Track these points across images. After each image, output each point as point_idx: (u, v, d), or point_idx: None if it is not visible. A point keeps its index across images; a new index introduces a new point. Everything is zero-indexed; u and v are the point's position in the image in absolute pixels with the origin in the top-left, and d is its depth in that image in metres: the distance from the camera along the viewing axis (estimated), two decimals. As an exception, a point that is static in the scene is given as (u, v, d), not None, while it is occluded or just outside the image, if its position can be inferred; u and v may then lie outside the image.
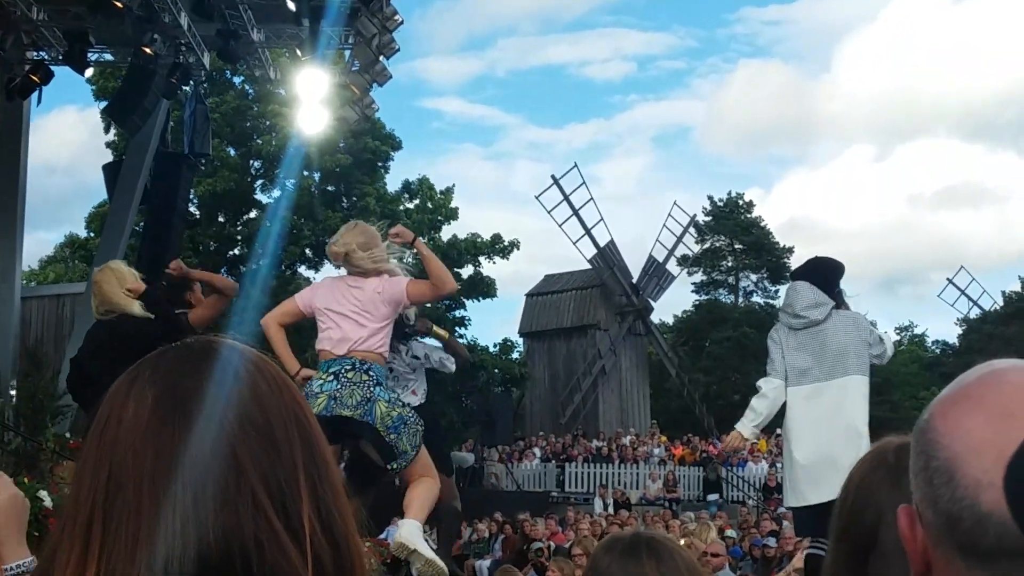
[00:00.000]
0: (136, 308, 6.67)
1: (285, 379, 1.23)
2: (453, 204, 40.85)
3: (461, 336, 39.58)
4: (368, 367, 6.14)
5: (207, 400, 1.14)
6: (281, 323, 6.47)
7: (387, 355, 6.47)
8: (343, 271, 6.52)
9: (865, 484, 2.09)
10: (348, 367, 6.11)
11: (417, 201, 40.63)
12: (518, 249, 40.73)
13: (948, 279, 47.89)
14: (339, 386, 6.01)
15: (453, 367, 9.14)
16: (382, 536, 10.96)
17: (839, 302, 7.17)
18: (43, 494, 5.77)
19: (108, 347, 6.56)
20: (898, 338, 57.52)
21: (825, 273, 7.30)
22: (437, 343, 8.97)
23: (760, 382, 7.37)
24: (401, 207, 40.16)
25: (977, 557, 1.07)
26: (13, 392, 17.66)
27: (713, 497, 27.95)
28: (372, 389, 6.07)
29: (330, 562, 1.15)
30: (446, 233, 40.51)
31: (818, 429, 6.86)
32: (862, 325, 7.03)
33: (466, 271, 40.23)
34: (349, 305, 6.23)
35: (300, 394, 1.24)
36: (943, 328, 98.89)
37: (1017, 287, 51.07)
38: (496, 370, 40.55)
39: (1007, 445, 1.06)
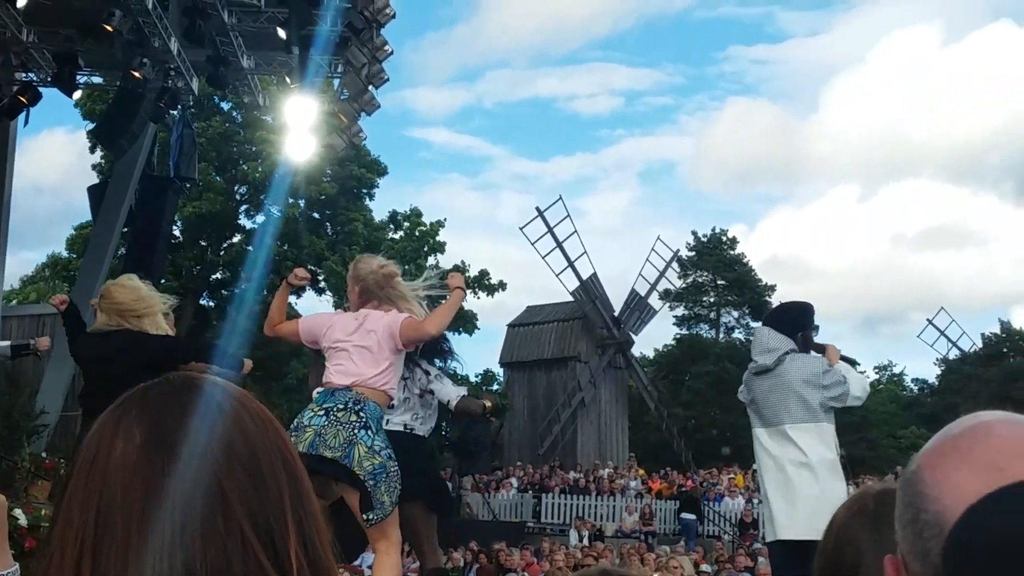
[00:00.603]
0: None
1: (268, 415, 1.24)
2: (441, 238, 40.97)
3: (441, 368, 39.54)
4: (361, 407, 6.02)
5: (194, 438, 1.14)
6: (283, 329, 6.55)
7: (392, 393, 6.33)
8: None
9: (846, 529, 2.12)
10: (340, 406, 5.99)
11: (403, 231, 40.70)
12: (503, 290, 40.91)
13: (928, 320, 48.16)
14: (327, 423, 5.89)
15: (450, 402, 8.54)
16: (356, 563, 11.00)
17: (806, 343, 7.25)
18: (18, 512, 5.81)
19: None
20: (877, 377, 57.73)
21: (789, 316, 7.41)
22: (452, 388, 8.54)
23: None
24: (388, 235, 40.26)
25: None
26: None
27: (689, 517, 28.05)
28: (356, 431, 5.93)
29: None
30: (430, 262, 40.61)
31: (778, 469, 6.99)
32: (814, 369, 7.04)
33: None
34: (358, 339, 6.15)
35: (283, 430, 1.24)
36: (922, 368, 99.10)
37: (996, 329, 51.49)
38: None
39: None
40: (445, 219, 41.72)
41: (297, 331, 6.44)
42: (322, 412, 5.94)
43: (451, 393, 8.02)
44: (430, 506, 7.83)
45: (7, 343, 9.18)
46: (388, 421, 7.58)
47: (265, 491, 1.15)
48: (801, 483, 6.84)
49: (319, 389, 6.18)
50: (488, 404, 8.86)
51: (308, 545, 1.16)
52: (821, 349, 7.33)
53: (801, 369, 7.03)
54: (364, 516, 6.00)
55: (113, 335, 6.85)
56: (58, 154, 76.33)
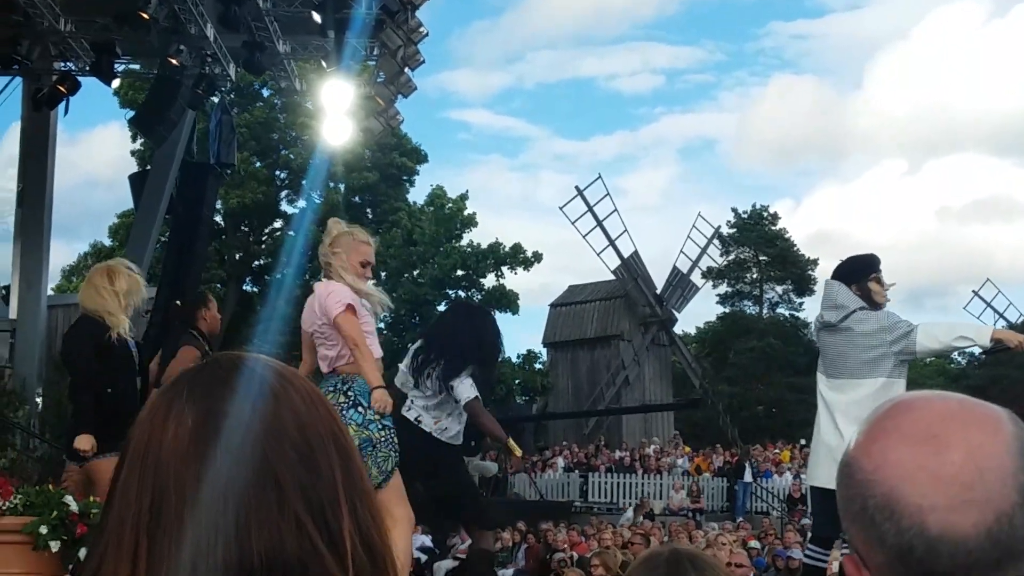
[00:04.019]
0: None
1: (318, 393, 1.22)
2: (469, 211, 40.89)
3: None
4: (348, 386, 6.04)
5: (245, 420, 1.14)
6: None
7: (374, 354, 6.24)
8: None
9: None
10: (330, 389, 6.02)
11: (428, 214, 40.69)
12: (540, 262, 40.70)
13: (974, 291, 47.56)
14: None
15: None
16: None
17: (861, 295, 7.17)
18: (69, 499, 5.81)
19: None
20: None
21: (850, 268, 7.39)
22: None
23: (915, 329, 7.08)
24: (425, 219, 40.30)
25: None
26: (39, 400, 17.80)
27: (748, 481, 28.15)
28: (344, 413, 5.91)
29: None
30: (465, 241, 40.61)
31: (826, 417, 7.10)
32: (881, 324, 7.00)
33: (488, 281, 40.23)
34: (316, 325, 6.19)
35: (333, 408, 1.24)
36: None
37: (1044, 299, 50.78)
38: (517, 381, 40.50)
39: (939, 465, 1.09)
40: (467, 191, 41.68)
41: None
42: None
43: (465, 393, 7.60)
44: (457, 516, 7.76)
45: None
46: (411, 405, 7.48)
47: (317, 471, 1.14)
48: (831, 433, 6.95)
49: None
50: (514, 458, 8.72)
51: (361, 525, 1.15)
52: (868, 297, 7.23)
53: (869, 326, 6.99)
54: None
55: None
56: (113, 147, 76.87)
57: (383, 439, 6.02)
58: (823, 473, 6.91)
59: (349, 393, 6.00)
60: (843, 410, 6.97)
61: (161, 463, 1.12)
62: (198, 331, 7.90)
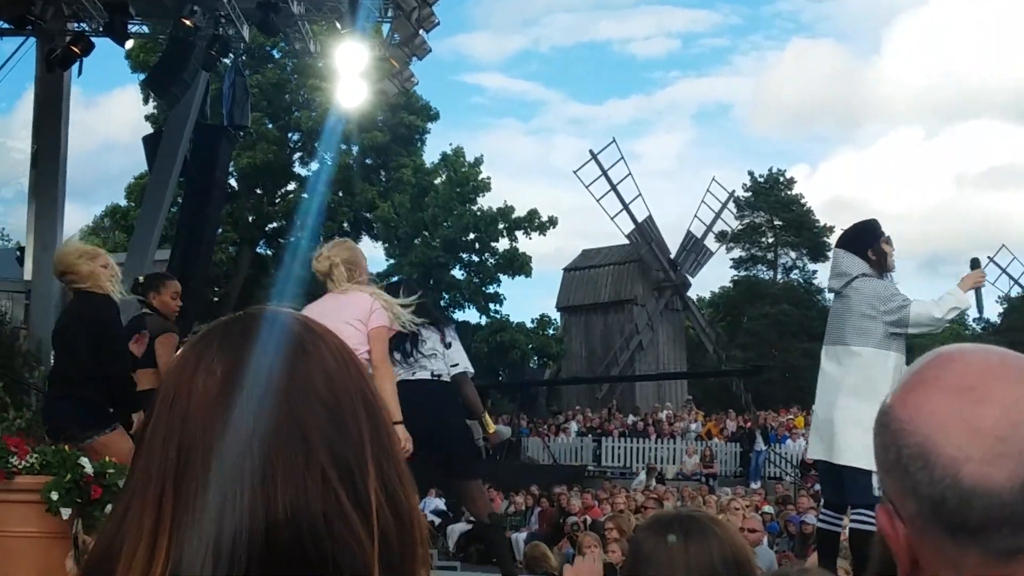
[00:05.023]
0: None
1: (349, 351, 1.22)
2: (483, 175, 40.77)
3: (496, 312, 39.62)
4: None
5: (275, 373, 1.14)
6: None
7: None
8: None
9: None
10: None
11: (445, 175, 40.54)
12: (555, 227, 40.62)
13: (989, 257, 47.35)
14: None
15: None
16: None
17: (878, 263, 7.20)
18: (84, 461, 5.81)
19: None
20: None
21: (854, 236, 7.43)
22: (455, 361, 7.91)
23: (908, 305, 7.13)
24: (438, 180, 40.17)
25: (967, 534, 1.07)
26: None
27: (761, 448, 28.22)
28: None
29: (395, 537, 1.14)
30: (478, 205, 40.49)
31: (821, 390, 7.16)
32: (878, 294, 7.04)
33: (501, 245, 40.17)
34: (341, 316, 6.04)
35: (364, 367, 1.23)
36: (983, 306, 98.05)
37: (1059, 266, 50.49)
38: (531, 346, 40.53)
39: (975, 417, 1.08)
40: (482, 155, 41.54)
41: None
42: None
43: (464, 362, 7.80)
44: (448, 470, 7.75)
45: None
46: (415, 371, 7.45)
47: (345, 429, 1.14)
48: (818, 404, 7.12)
49: None
50: (491, 434, 8.69)
51: (387, 484, 1.15)
52: (976, 263, 7.35)
53: (864, 293, 7.04)
54: None
55: None
56: (130, 111, 77.03)
57: None
58: (812, 445, 7.18)
59: None
60: (831, 379, 7.06)
61: (189, 413, 1.12)
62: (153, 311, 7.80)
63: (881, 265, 7.21)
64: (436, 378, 7.54)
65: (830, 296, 7.62)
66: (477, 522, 8.40)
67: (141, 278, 8.46)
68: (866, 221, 7.56)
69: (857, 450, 6.54)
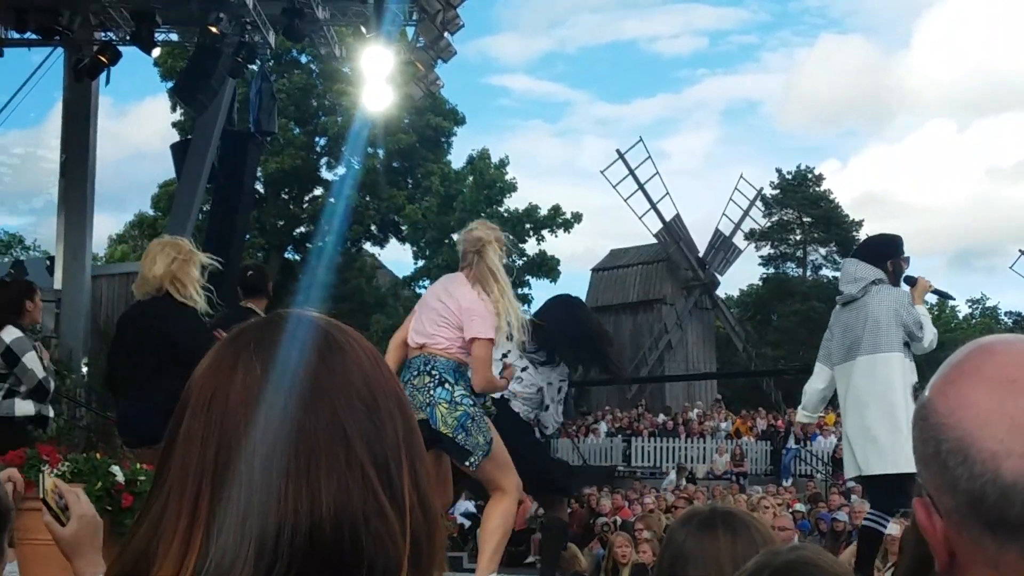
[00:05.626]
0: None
1: (379, 353, 1.24)
2: (509, 177, 40.72)
3: (525, 314, 39.53)
4: (432, 366, 5.99)
5: (315, 372, 1.15)
6: (401, 339, 6.29)
7: (463, 358, 6.16)
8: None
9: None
10: (415, 372, 5.99)
11: (472, 178, 40.50)
12: (579, 222, 40.46)
13: (1021, 250, 47.03)
14: (408, 393, 5.68)
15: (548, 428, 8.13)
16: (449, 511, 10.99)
17: (896, 272, 7.18)
18: (115, 469, 5.83)
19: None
20: (970, 311, 56.90)
21: (876, 247, 7.39)
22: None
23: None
24: (465, 185, 40.16)
25: (1007, 530, 1.05)
26: (85, 369, 17.96)
27: (792, 446, 28.09)
28: (432, 392, 5.91)
29: (424, 536, 1.16)
30: (504, 208, 40.42)
31: (852, 408, 7.03)
32: (901, 301, 6.98)
33: (529, 246, 40.15)
34: (440, 304, 6.09)
35: (390, 368, 1.25)
36: (1016, 300, 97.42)
37: (1091, 257, 49.99)
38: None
39: (1017, 411, 1.05)
40: (507, 156, 41.46)
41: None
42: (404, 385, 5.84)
43: (550, 423, 7.83)
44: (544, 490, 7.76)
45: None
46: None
47: (382, 427, 1.16)
48: (856, 421, 6.96)
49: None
50: None
51: (420, 485, 1.18)
52: (912, 281, 7.24)
53: (887, 299, 6.96)
54: (465, 463, 5.99)
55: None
56: (161, 119, 77.62)
57: (477, 413, 6.03)
58: (852, 463, 7.04)
59: (433, 372, 5.96)
60: (866, 391, 6.93)
61: (228, 412, 1.13)
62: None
63: (894, 281, 7.18)
64: (505, 400, 7.37)
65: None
66: (545, 522, 8.42)
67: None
68: (892, 235, 7.52)
69: (891, 457, 6.53)
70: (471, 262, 6.20)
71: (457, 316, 6.06)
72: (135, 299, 7.06)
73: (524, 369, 7.46)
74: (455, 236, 6.40)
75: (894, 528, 7.45)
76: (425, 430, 5.74)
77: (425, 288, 7.03)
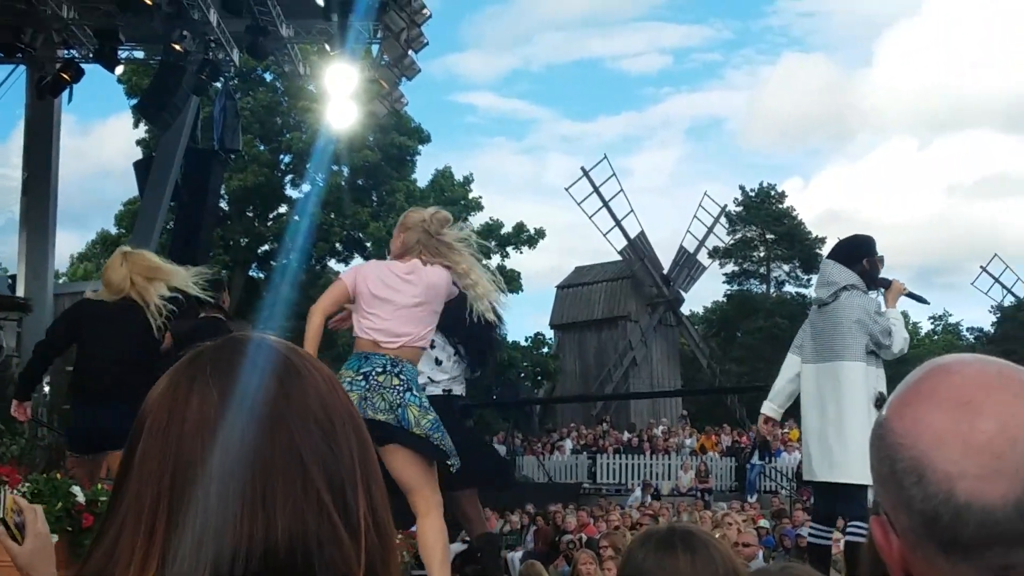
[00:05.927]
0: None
1: (335, 377, 1.23)
2: (474, 194, 40.71)
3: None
4: (400, 369, 5.88)
5: (271, 397, 1.14)
6: (328, 312, 6.15)
7: (426, 345, 6.24)
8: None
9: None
10: (379, 369, 5.85)
11: (434, 197, 40.46)
12: (543, 239, 40.50)
13: (982, 267, 47.50)
14: (368, 388, 5.75)
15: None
16: (412, 529, 10.95)
17: (872, 271, 7.25)
18: (76, 489, 5.81)
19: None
20: (932, 327, 57.28)
21: (850, 248, 7.44)
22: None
23: None
24: (429, 203, 40.08)
25: (960, 550, 1.06)
26: (47, 388, 17.80)
27: (757, 462, 28.18)
28: (403, 395, 5.82)
29: (379, 558, 1.16)
30: (473, 224, 40.38)
31: (812, 409, 7.13)
32: (867, 309, 7.04)
33: (492, 262, 40.10)
34: (407, 297, 5.96)
35: (346, 392, 1.24)
36: (977, 317, 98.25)
37: (1051, 275, 50.50)
38: (526, 364, 40.44)
39: (970, 433, 1.06)
40: (472, 174, 41.45)
41: (347, 295, 6.14)
42: (360, 377, 5.80)
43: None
44: (489, 481, 7.74)
45: None
46: (426, 385, 7.39)
47: (339, 452, 1.16)
48: (820, 423, 7.02)
49: (357, 352, 6.03)
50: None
51: (375, 507, 1.17)
52: (887, 284, 7.32)
53: (855, 307, 7.02)
54: (448, 464, 5.96)
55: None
56: (125, 137, 77.35)
57: (438, 421, 5.99)
58: (810, 467, 7.13)
59: (402, 376, 5.88)
60: (826, 396, 7.01)
61: (184, 436, 1.12)
62: None
63: (871, 279, 7.23)
64: (446, 393, 7.46)
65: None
66: (473, 541, 8.35)
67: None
68: (865, 235, 7.59)
69: (856, 466, 6.56)
70: (418, 249, 6.16)
71: (430, 299, 6.03)
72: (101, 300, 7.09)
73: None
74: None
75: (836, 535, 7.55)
76: (399, 434, 5.77)
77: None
